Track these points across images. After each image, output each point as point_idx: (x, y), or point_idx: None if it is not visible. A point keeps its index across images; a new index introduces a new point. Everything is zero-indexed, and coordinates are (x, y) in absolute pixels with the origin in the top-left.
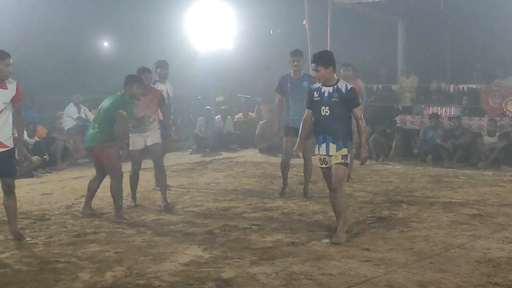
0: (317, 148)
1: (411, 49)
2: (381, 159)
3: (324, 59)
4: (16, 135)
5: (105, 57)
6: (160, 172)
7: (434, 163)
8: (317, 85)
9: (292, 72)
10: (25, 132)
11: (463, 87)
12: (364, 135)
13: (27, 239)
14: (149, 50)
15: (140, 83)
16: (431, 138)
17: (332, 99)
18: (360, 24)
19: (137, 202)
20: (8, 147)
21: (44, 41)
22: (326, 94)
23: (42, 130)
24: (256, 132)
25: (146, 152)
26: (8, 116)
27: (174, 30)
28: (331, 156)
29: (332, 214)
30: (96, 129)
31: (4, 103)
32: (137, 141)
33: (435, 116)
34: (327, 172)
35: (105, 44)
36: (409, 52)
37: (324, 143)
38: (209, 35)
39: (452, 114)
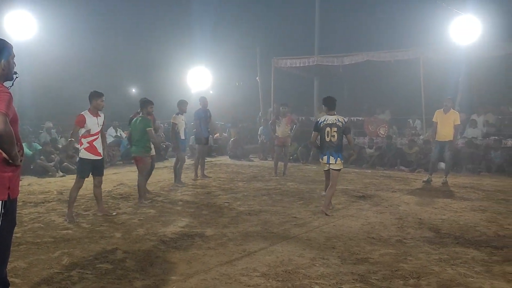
0: None
1: (321, 96)
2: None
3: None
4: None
5: (135, 98)
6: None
7: None
8: None
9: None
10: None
11: (356, 119)
12: None
13: (114, 213)
14: (163, 95)
15: (152, 104)
16: None
17: None
18: (292, 79)
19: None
20: (101, 156)
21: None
22: None
23: None
24: (228, 145)
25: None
26: (101, 135)
27: (180, 80)
28: None
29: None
30: (137, 145)
31: (99, 125)
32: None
33: None
34: None
35: (133, 90)
36: (321, 97)
37: None
38: (199, 83)
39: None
